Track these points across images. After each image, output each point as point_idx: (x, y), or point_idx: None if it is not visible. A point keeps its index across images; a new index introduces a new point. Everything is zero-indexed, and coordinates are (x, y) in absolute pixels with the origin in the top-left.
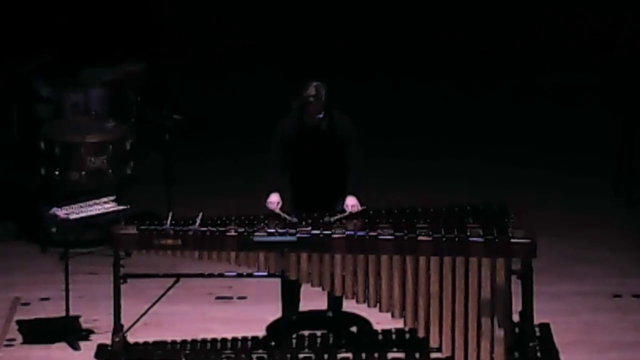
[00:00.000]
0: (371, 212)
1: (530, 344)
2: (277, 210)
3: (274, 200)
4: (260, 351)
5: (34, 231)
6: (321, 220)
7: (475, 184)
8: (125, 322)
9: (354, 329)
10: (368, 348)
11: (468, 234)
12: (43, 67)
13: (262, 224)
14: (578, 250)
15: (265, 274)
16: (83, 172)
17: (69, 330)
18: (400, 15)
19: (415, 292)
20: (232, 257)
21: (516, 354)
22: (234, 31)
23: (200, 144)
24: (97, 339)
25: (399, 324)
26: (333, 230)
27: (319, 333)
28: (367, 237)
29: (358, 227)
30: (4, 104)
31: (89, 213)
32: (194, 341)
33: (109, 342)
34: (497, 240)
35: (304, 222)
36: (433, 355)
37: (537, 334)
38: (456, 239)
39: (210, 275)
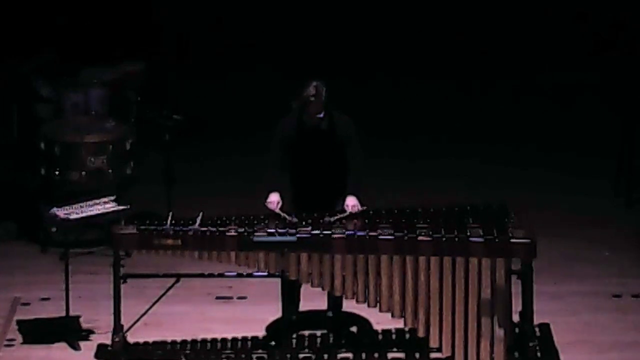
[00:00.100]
0: (371, 212)
1: (530, 344)
2: (277, 210)
3: (274, 200)
4: (260, 351)
5: (34, 231)
6: (321, 220)
7: (475, 184)
8: (125, 322)
9: (354, 329)
10: (368, 348)
11: (468, 234)
12: (43, 67)
13: (262, 224)
14: (578, 250)
15: (265, 274)
16: (83, 172)
17: (69, 330)
18: (400, 15)
19: (415, 292)
20: (232, 257)
21: (516, 354)
22: (234, 31)
23: (200, 144)
24: (97, 339)
25: (399, 324)
26: (333, 230)
27: (319, 333)
28: (367, 237)
29: (358, 227)
30: (4, 104)
31: (89, 213)
32: (194, 341)
33: (109, 342)
34: (497, 240)
35: (304, 222)
36: (433, 355)
37: (537, 334)
38: (456, 239)
39: (210, 275)
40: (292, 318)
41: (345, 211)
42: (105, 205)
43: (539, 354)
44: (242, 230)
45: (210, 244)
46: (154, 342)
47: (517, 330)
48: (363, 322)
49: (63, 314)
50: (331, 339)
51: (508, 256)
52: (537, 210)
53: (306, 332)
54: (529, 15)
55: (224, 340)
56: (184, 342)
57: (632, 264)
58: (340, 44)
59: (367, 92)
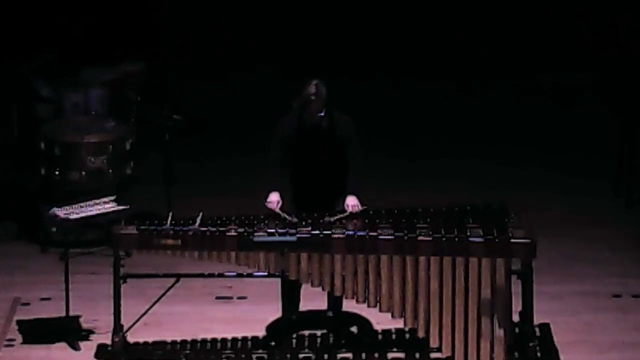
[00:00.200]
0: (371, 212)
1: (530, 344)
2: (277, 210)
3: (274, 199)
4: (260, 351)
5: (34, 231)
6: (321, 220)
7: (475, 184)
8: (125, 322)
9: (354, 329)
10: (368, 348)
11: (468, 234)
12: (43, 67)
13: (262, 224)
14: (578, 250)
15: (265, 274)
16: (83, 172)
17: (69, 330)
18: (400, 15)
19: (415, 292)
20: (232, 257)
21: (516, 354)
22: (234, 31)
23: (200, 144)
24: (97, 339)
25: (399, 324)
26: (333, 230)
27: (319, 333)
28: (367, 237)
29: (358, 227)
30: (4, 104)
31: (89, 213)
32: (194, 341)
33: (109, 342)
34: (497, 240)
35: (304, 222)
36: (433, 355)
37: (537, 334)
38: (456, 239)
39: (210, 275)
40: (292, 318)
41: (345, 211)
42: (105, 205)
43: (539, 354)
44: (242, 230)
45: (210, 244)
46: (154, 342)
47: (517, 330)
48: (363, 322)
49: (63, 314)
50: (331, 339)
51: (508, 256)
52: (537, 210)
53: (306, 332)
54: (529, 15)
55: (224, 340)
56: (184, 342)
57: (632, 264)
58: (340, 44)
59: (367, 92)
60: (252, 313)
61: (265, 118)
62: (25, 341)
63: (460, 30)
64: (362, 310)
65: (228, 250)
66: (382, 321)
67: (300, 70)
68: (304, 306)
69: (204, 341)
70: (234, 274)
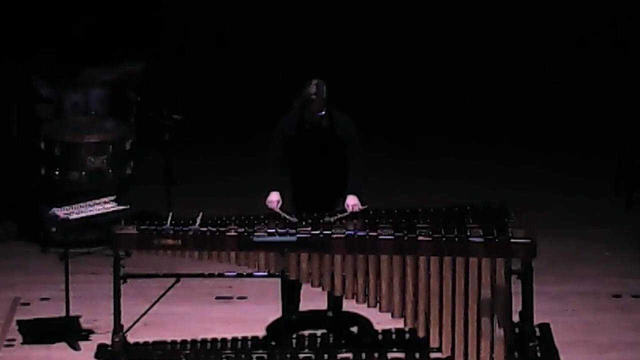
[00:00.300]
0: (371, 212)
1: (530, 344)
2: (277, 210)
3: (274, 199)
4: (260, 351)
5: (34, 231)
6: (321, 220)
7: (475, 184)
8: (125, 322)
9: (354, 329)
10: (368, 348)
11: (468, 234)
12: (43, 67)
13: (262, 224)
14: (578, 250)
15: (265, 274)
16: (83, 172)
17: (69, 330)
18: (400, 15)
19: (415, 292)
20: (232, 257)
21: (516, 354)
22: (234, 31)
23: (200, 144)
24: (97, 339)
25: (399, 324)
26: (333, 230)
27: (319, 333)
28: (367, 237)
29: (358, 227)
30: (4, 104)
31: (89, 213)
32: (194, 341)
33: (109, 342)
34: (497, 240)
35: (304, 222)
36: (433, 355)
37: (537, 334)
38: (456, 239)
39: (210, 275)
40: (292, 318)
41: (345, 211)
42: (105, 205)
43: (539, 354)
44: (242, 230)
45: (210, 244)
46: (154, 342)
47: (517, 330)
48: (363, 322)
49: (63, 314)
50: (331, 339)
51: (508, 256)
52: (537, 210)
53: (306, 332)
54: (529, 15)
55: (224, 340)
56: (184, 342)
57: (632, 264)
58: (340, 44)
59: (367, 92)
60: (252, 313)
61: (265, 118)
62: (25, 341)
63: (460, 30)
64: (362, 310)
65: (228, 250)
66: (382, 321)
67: (300, 70)
68: (304, 306)
69: (204, 341)
70: (234, 274)
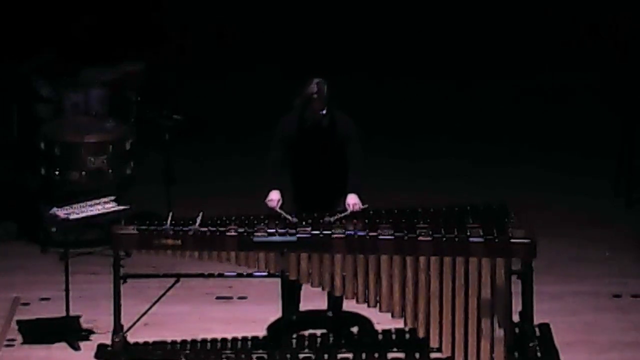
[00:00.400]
0: (371, 212)
1: (530, 344)
2: (277, 209)
3: (274, 198)
4: (260, 351)
5: (34, 231)
6: (321, 220)
7: (475, 184)
8: (125, 322)
9: (354, 329)
10: (368, 348)
11: (468, 234)
12: (43, 67)
13: (262, 224)
14: (578, 250)
15: (265, 274)
16: (83, 172)
17: (69, 330)
18: (400, 15)
19: (415, 292)
20: (232, 257)
21: (516, 354)
22: (234, 31)
23: (200, 144)
24: (97, 339)
25: (399, 324)
26: (333, 230)
27: (319, 333)
28: (367, 237)
29: (358, 227)
30: (4, 104)
31: (89, 213)
32: (194, 341)
33: (109, 342)
34: (497, 240)
35: (304, 222)
36: (433, 355)
37: (537, 334)
38: (456, 239)
39: (210, 275)
40: (292, 318)
41: (346, 210)
42: (105, 205)
43: (539, 354)
44: (242, 230)
45: (210, 244)
46: (154, 342)
47: (517, 330)
48: (363, 322)
49: (63, 314)
50: (331, 339)
51: (508, 256)
52: (537, 210)
53: (306, 332)
54: (529, 15)
55: (224, 340)
56: (184, 342)
57: (632, 264)
58: (340, 44)
59: (367, 92)
60: (252, 313)
61: (265, 118)
62: (25, 341)
63: (460, 30)
64: (362, 310)
65: (228, 250)
66: (382, 321)
67: (300, 70)
68: (304, 306)
69: (204, 341)
70: (234, 274)
